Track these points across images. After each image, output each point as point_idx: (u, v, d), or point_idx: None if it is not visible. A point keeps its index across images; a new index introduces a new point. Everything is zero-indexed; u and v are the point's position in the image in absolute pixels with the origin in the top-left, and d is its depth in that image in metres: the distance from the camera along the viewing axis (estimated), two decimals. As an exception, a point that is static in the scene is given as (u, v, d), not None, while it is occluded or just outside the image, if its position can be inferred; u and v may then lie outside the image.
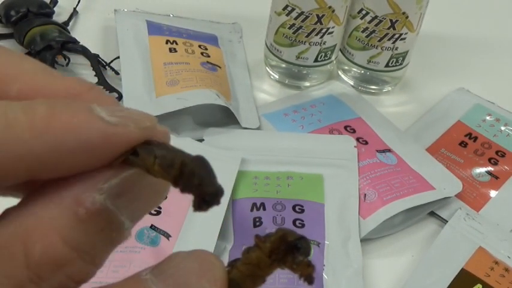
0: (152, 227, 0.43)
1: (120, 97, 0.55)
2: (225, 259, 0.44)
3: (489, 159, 0.56)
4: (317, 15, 0.56)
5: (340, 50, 0.62)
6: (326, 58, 0.60)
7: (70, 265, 0.15)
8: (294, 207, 0.47)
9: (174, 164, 0.16)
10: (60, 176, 0.16)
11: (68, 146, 0.15)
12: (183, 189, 0.16)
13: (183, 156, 0.16)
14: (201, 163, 0.16)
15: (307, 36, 0.57)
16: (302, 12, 0.56)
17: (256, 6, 0.67)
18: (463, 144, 0.57)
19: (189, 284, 0.16)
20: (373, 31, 0.58)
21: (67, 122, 0.15)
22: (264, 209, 0.47)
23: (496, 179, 0.54)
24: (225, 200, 0.46)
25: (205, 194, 0.15)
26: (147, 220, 0.44)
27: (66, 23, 0.63)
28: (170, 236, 0.43)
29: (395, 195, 0.49)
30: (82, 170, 0.16)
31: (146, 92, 0.55)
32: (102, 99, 0.17)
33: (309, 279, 0.16)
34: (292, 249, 0.16)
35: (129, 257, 0.41)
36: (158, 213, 0.44)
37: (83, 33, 0.64)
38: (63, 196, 0.16)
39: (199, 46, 0.61)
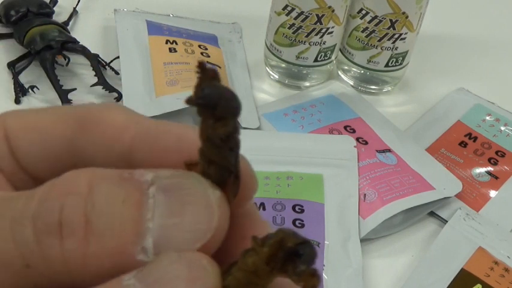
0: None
1: (120, 97, 0.55)
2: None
3: (489, 159, 0.56)
4: (317, 15, 0.56)
5: (340, 50, 0.62)
6: (326, 58, 0.60)
7: (73, 201, 0.15)
8: (293, 207, 0.47)
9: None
10: None
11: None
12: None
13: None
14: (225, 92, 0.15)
15: (307, 36, 0.57)
16: (302, 12, 0.56)
17: (256, 6, 0.67)
18: (463, 144, 0.57)
19: None
20: (373, 31, 0.58)
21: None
22: (264, 209, 0.47)
23: (496, 179, 0.54)
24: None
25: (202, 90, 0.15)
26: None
27: (66, 23, 0.63)
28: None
29: (395, 195, 0.49)
30: None
31: (146, 92, 0.55)
32: None
33: None
34: (292, 256, 0.14)
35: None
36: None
37: (83, 33, 0.64)
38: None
39: (199, 46, 0.61)
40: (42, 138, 0.18)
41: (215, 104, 0.14)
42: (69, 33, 0.60)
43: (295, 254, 0.14)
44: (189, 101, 0.15)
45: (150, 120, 0.18)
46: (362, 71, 0.62)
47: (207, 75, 0.15)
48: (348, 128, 0.56)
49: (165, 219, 0.15)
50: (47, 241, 0.15)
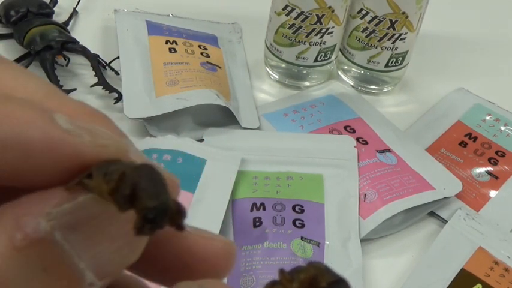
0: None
1: (120, 97, 0.55)
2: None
3: (489, 159, 0.56)
4: (317, 15, 0.56)
5: (340, 50, 0.62)
6: (326, 58, 0.60)
7: None
8: (293, 207, 0.47)
9: (113, 175, 0.13)
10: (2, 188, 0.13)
11: (2, 138, 0.12)
12: (119, 206, 0.12)
13: (127, 166, 0.13)
14: (144, 172, 0.12)
15: (307, 36, 0.57)
16: (302, 12, 0.56)
17: (256, 6, 0.67)
18: (463, 144, 0.57)
19: None
20: (373, 31, 0.58)
21: (8, 114, 0.12)
22: (264, 209, 0.47)
23: (496, 179, 0.54)
24: (225, 200, 0.46)
25: (145, 210, 0.12)
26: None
27: (66, 23, 0.63)
28: (170, 236, 0.43)
29: (395, 195, 0.49)
30: (26, 184, 0.13)
31: (146, 92, 0.55)
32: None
33: None
34: None
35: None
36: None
37: (83, 33, 0.64)
38: (3, 215, 0.13)
39: (199, 46, 0.61)
40: None
41: (169, 214, 0.13)
42: (69, 33, 0.60)
43: None
44: (142, 231, 0.12)
45: None
46: (362, 71, 0.62)
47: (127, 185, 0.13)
48: (348, 128, 0.56)
49: (89, 252, 0.14)
50: None
